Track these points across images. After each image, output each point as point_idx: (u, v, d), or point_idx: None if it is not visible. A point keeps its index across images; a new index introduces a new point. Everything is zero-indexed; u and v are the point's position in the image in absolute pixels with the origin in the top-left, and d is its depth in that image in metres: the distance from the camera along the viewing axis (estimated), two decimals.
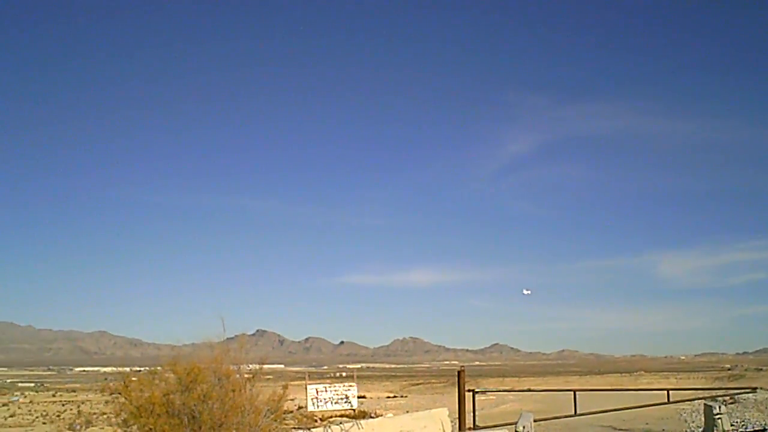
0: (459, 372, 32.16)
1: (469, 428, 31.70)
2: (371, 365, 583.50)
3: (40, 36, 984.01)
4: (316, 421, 44.92)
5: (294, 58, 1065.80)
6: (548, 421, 37.45)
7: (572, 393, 35.02)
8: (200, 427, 23.75)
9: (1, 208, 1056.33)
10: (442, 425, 29.94)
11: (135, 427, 24.69)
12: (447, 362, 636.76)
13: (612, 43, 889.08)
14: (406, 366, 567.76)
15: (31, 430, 72.29)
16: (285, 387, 28.46)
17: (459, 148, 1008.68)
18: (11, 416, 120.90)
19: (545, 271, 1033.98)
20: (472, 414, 31.79)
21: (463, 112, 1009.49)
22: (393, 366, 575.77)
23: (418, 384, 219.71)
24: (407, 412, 51.26)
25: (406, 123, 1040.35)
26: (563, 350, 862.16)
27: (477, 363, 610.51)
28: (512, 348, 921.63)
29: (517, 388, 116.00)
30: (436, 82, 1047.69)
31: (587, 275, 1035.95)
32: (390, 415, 51.15)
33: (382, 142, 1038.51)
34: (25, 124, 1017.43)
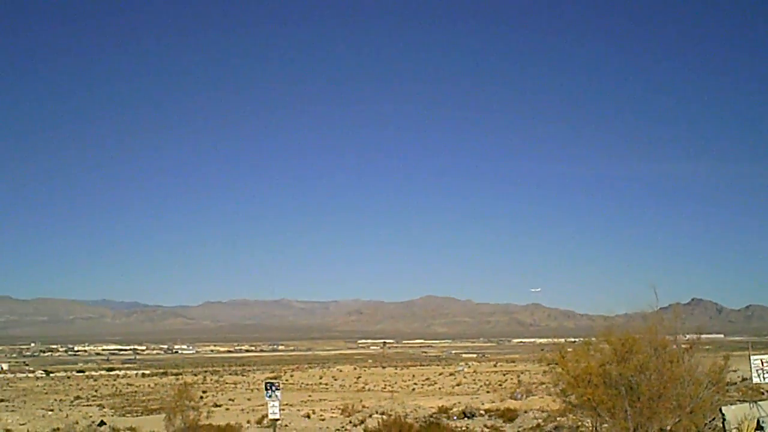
0: None
1: None
2: None
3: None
4: (762, 393, 42.11)
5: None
6: None
7: None
8: (638, 398, 23.42)
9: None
10: None
11: (572, 396, 25.06)
12: None
13: None
14: None
15: (477, 397, 76.49)
16: (726, 358, 27.06)
17: None
18: (457, 385, 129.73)
19: None
20: None
21: None
22: None
23: None
24: None
25: None
26: None
27: None
28: None
29: None
30: None
31: None
32: None
33: None
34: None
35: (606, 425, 24.62)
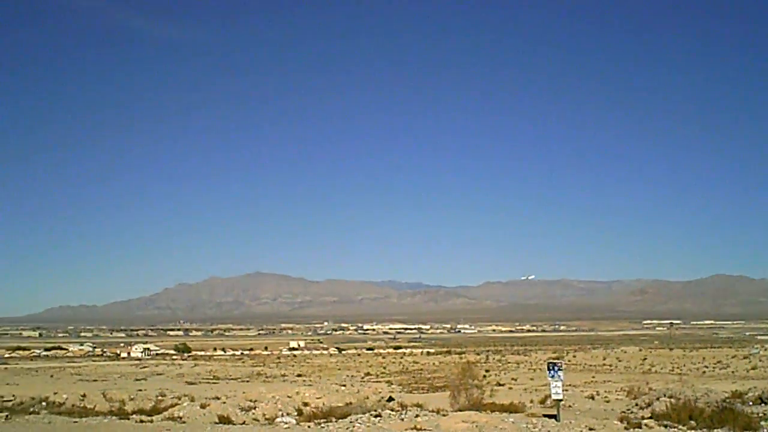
0: None
1: None
2: None
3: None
4: None
5: None
6: None
7: None
8: None
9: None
10: None
11: None
12: None
13: None
14: None
15: None
16: None
17: None
18: (753, 368, 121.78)
19: None
20: None
21: None
22: None
23: None
24: None
25: None
26: None
27: None
28: None
29: None
30: None
31: None
32: None
33: None
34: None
35: None
